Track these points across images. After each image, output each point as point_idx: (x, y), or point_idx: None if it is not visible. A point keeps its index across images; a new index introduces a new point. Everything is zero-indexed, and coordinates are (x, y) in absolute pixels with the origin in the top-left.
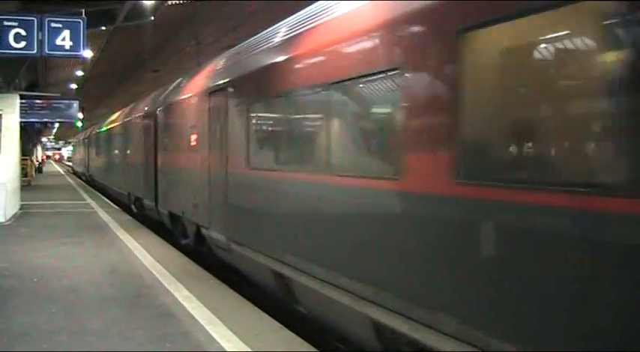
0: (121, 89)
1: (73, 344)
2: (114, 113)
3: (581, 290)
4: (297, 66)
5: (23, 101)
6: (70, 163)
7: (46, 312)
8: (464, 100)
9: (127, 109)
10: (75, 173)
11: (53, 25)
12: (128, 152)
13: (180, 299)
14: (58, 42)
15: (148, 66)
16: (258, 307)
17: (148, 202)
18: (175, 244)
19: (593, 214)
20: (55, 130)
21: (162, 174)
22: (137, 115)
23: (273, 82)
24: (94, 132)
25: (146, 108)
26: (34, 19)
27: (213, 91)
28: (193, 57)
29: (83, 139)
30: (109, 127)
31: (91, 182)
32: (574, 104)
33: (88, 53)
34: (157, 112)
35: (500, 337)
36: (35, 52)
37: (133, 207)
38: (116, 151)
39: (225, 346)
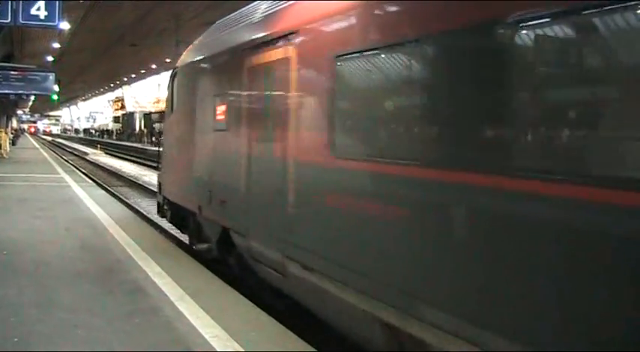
0: (98, 63)
1: (42, 317)
2: None
3: None
4: None
5: None
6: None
7: (15, 285)
8: None
9: None
10: None
11: None
12: None
13: (151, 275)
14: (33, 11)
15: (127, 40)
16: (230, 285)
17: None
18: (150, 220)
19: None
20: (30, 103)
21: None
22: None
23: None
24: None
25: None
26: None
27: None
28: (173, 33)
29: None
30: None
31: None
32: None
33: (64, 25)
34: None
35: None
36: (9, 21)
37: None
38: None
39: (194, 322)
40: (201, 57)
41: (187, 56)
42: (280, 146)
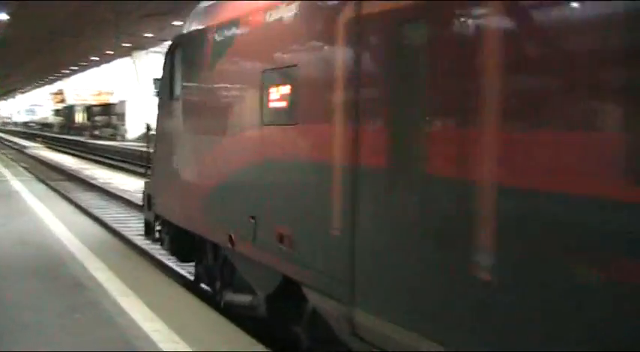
0: (37, 55)
1: None
2: None
3: None
4: None
5: None
6: None
7: None
8: None
9: None
10: None
11: None
12: None
13: (92, 271)
14: None
15: (66, 32)
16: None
17: None
18: (91, 215)
19: None
20: None
21: None
22: None
23: None
24: None
25: None
26: None
27: None
28: (112, 25)
29: None
30: None
31: None
32: None
33: (1, 15)
34: None
35: None
36: None
37: None
38: None
39: (135, 317)
40: (235, 14)
41: (204, 16)
42: (448, 154)
